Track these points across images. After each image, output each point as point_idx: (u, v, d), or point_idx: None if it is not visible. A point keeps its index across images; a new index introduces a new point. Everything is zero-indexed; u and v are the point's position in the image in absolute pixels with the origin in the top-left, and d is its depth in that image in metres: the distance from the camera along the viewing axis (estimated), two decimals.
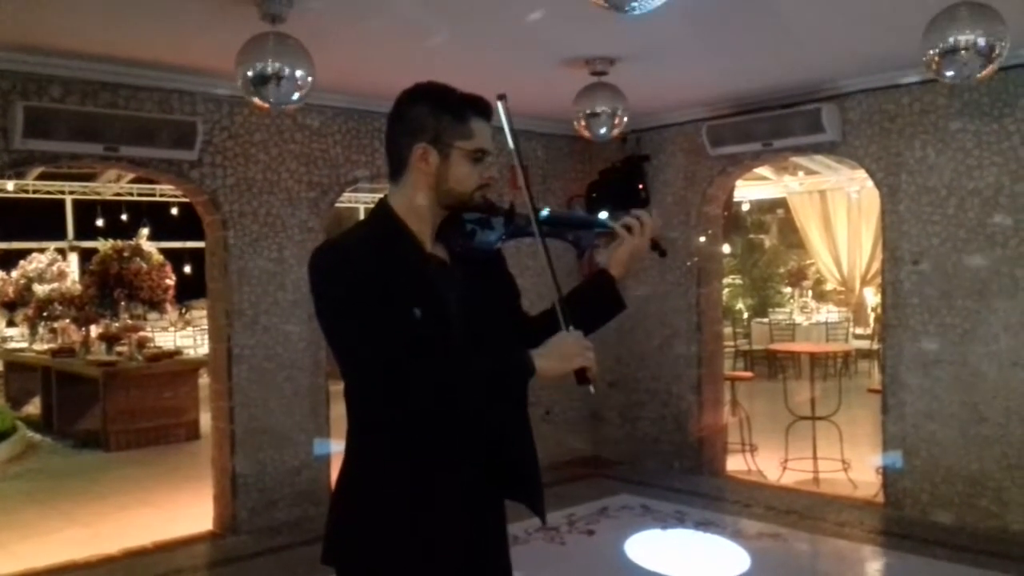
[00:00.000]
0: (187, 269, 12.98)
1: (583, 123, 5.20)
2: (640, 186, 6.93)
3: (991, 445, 5.20)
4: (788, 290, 14.96)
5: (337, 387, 6.33)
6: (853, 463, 6.54)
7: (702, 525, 5.52)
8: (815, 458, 6.58)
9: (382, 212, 1.92)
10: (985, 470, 5.23)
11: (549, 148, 7.05)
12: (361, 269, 1.76)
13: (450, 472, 1.85)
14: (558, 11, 4.10)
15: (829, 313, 13.32)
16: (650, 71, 5.36)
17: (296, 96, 3.92)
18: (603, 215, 2.15)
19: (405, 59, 4.69)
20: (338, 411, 6.08)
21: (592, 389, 1.86)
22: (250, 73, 3.84)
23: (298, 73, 3.83)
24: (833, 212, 12.94)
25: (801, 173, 12.12)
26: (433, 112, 1.86)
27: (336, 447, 5.94)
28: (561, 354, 1.83)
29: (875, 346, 10.45)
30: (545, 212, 1.98)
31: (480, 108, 1.91)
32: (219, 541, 5.44)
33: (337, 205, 6.24)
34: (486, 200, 1.95)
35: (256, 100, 3.94)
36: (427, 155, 1.85)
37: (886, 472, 5.72)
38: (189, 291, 12.88)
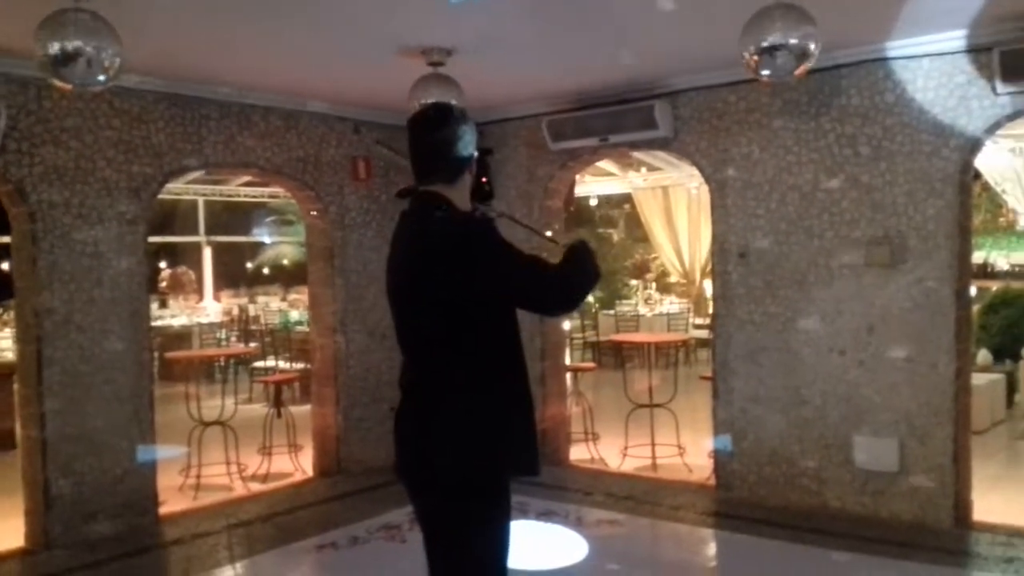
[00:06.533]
0: (4, 265, 12.00)
1: None
2: (483, 179, 6.88)
3: (810, 427, 5.50)
4: (634, 283, 15.43)
5: (165, 391, 5.95)
6: (688, 448, 6.78)
7: (543, 515, 5.57)
8: (653, 444, 6.77)
9: (446, 203, 2.59)
10: (805, 451, 5.52)
11: (393, 140, 6.91)
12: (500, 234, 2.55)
13: (522, 383, 2.60)
14: None
15: (672, 304, 13.83)
16: (489, 64, 5.33)
17: (102, 77, 3.63)
18: None
19: (230, 43, 4.45)
20: (166, 417, 5.76)
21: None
22: (50, 51, 3.53)
23: (103, 53, 3.55)
24: (675, 207, 13.42)
25: (644, 169, 12.47)
26: (472, 128, 2.65)
27: (164, 452, 5.62)
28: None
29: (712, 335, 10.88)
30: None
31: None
32: (30, 558, 5.03)
33: (166, 196, 5.88)
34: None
35: (57, 81, 3.63)
36: (474, 161, 2.69)
37: (717, 456, 5.96)
38: (4, 290, 11.89)
